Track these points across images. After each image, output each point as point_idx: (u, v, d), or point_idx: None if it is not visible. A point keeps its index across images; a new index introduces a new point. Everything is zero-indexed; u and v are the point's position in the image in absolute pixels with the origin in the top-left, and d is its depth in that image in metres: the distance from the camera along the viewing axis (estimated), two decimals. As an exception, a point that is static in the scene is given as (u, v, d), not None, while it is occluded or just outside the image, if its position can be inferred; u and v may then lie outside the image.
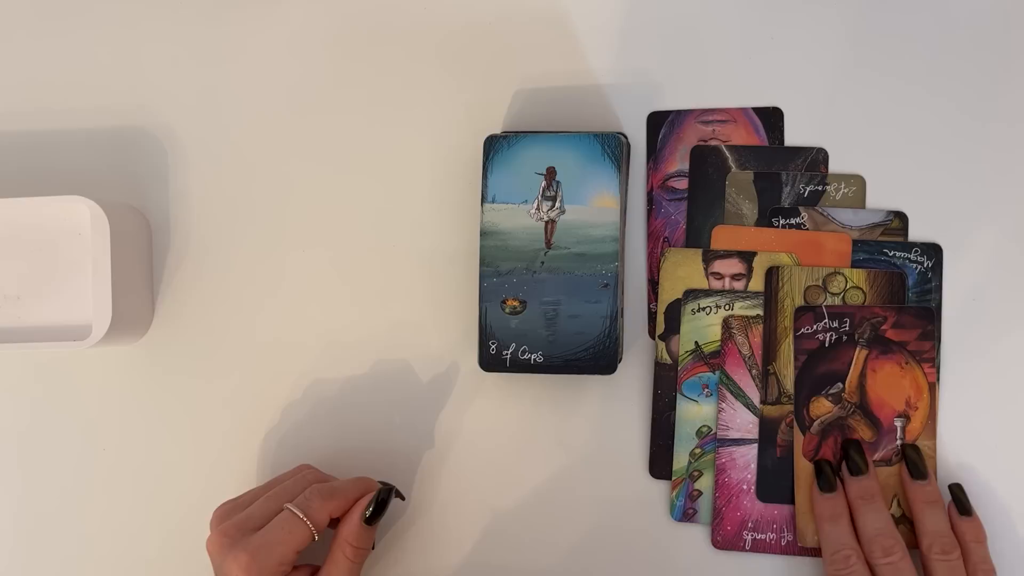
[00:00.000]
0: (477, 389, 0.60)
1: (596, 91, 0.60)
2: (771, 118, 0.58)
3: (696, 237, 0.59)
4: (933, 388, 0.56)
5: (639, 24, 0.60)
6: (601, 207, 0.56)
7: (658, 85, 0.59)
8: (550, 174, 0.56)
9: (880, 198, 0.58)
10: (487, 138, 0.57)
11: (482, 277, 0.57)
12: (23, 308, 0.60)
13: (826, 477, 0.56)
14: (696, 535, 0.58)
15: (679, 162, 0.59)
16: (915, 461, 0.56)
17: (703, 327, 0.58)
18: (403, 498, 0.59)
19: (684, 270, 0.58)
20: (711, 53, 0.59)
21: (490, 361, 0.57)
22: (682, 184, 0.59)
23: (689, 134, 0.59)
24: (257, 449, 0.62)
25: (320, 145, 0.62)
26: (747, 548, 0.57)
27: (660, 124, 0.59)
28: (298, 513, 0.53)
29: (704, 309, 0.58)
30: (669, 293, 0.58)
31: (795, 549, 0.57)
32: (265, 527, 0.52)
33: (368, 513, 0.55)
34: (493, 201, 0.57)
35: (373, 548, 0.57)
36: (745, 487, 0.57)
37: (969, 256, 0.57)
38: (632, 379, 0.59)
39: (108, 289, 0.57)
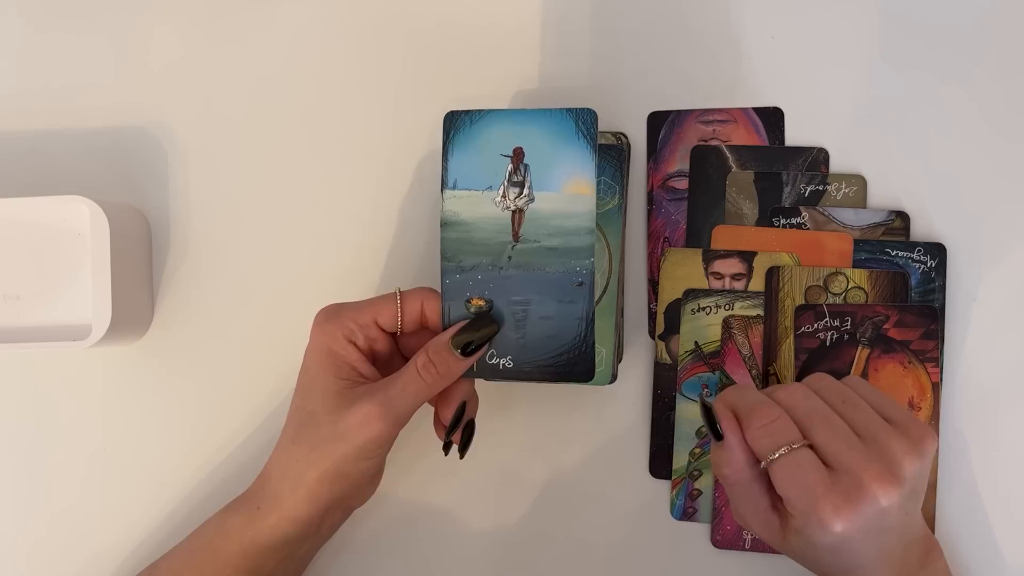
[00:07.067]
0: (478, 387, 0.60)
1: (596, 91, 0.60)
2: (771, 118, 0.58)
3: (696, 237, 0.58)
4: (937, 388, 0.56)
5: (639, 24, 0.60)
6: (575, 194, 0.50)
7: (658, 85, 0.59)
8: (517, 156, 0.50)
9: (881, 198, 0.58)
10: (447, 114, 0.51)
11: (444, 273, 0.51)
12: (23, 308, 0.60)
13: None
14: (696, 534, 0.58)
15: (679, 162, 0.59)
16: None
17: (703, 327, 0.58)
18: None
19: (684, 270, 0.58)
20: (711, 53, 0.59)
21: None
22: (682, 184, 0.59)
23: (689, 134, 0.59)
24: (257, 449, 0.61)
25: (320, 145, 0.62)
26: (746, 547, 0.57)
27: (660, 124, 0.59)
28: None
29: (704, 309, 0.58)
30: (669, 293, 0.58)
31: (795, 549, 0.57)
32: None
33: (460, 347, 0.50)
34: (455, 187, 0.51)
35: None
36: (745, 487, 0.57)
37: (971, 255, 0.57)
38: (632, 379, 0.59)
39: (108, 289, 0.57)
